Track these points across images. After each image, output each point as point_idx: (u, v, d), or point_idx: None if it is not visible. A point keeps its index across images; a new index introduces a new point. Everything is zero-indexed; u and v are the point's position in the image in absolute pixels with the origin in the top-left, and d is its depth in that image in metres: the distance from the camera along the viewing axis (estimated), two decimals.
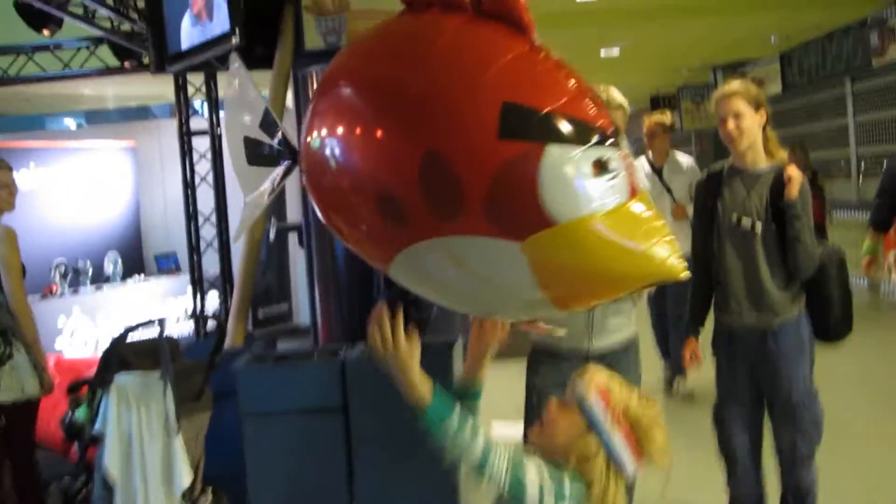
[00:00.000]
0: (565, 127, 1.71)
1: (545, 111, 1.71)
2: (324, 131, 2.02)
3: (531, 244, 1.70)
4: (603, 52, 13.38)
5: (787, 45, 14.35)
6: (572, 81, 1.79)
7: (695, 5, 10.96)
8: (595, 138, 1.73)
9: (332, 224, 2.15)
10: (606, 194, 1.72)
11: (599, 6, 10.59)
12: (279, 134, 2.32)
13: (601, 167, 1.72)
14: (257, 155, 2.33)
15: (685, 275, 1.75)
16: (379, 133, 1.86)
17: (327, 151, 2.00)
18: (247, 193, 2.42)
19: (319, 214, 2.18)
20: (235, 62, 2.47)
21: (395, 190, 1.82)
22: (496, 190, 1.70)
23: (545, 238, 1.69)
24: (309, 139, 2.09)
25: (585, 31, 11.58)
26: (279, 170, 2.32)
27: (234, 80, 2.47)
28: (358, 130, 1.91)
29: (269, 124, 2.31)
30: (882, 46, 11.48)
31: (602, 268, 1.71)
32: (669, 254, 1.73)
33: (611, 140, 1.76)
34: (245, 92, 2.42)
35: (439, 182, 1.74)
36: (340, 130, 1.97)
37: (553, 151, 1.69)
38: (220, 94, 8.10)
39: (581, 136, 1.72)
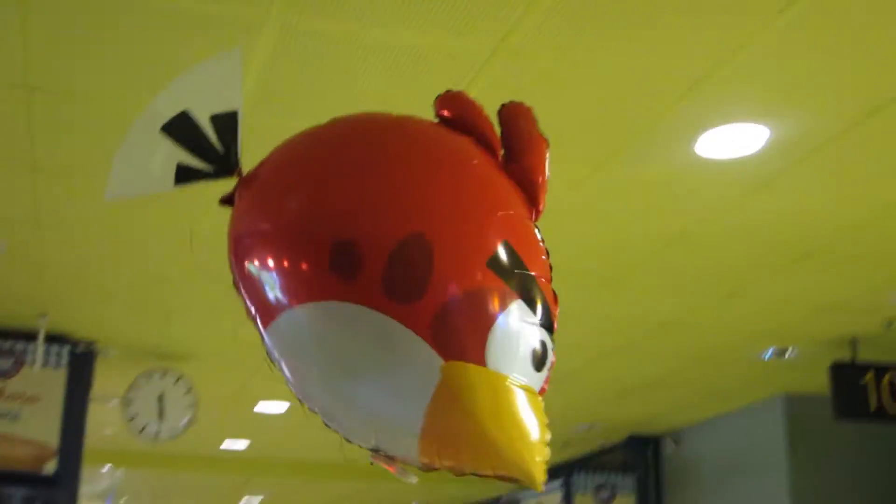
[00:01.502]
0: (538, 297, 1.73)
1: (531, 272, 1.74)
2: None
3: (452, 367, 1.64)
4: (245, 500, 13.17)
5: None
6: (550, 268, 1.82)
7: (341, 468, 11.21)
8: (550, 326, 1.73)
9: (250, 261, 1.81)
10: (531, 375, 1.68)
11: (245, 455, 10.64)
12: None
13: (541, 354, 1.71)
14: (183, 134, 1.92)
15: (541, 487, 1.67)
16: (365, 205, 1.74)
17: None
18: (127, 153, 2.00)
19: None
20: None
21: (361, 242, 1.68)
22: (460, 304, 1.67)
23: (468, 370, 1.64)
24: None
25: (230, 477, 11.43)
26: (195, 162, 1.92)
27: None
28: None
29: (227, 124, 1.93)
30: None
31: (491, 425, 1.63)
32: (543, 459, 1.66)
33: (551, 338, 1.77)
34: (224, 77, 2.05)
35: (414, 260, 1.68)
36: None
37: (519, 308, 1.69)
38: None
39: (544, 316, 1.73)
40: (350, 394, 1.78)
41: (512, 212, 1.81)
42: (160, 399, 7.05)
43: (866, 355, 6.44)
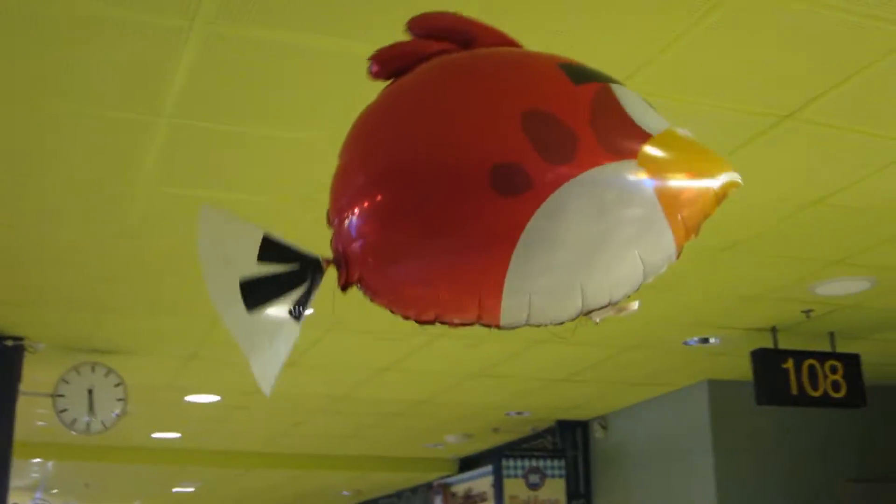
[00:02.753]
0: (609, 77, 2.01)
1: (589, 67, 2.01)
2: (390, 162, 1.88)
3: (644, 156, 1.88)
4: (176, 489, 13.08)
5: (358, 499, 14.76)
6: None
7: (272, 457, 11.23)
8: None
9: (416, 278, 1.90)
10: (665, 121, 2.00)
11: (177, 445, 10.64)
12: (287, 251, 1.93)
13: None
14: (262, 294, 1.90)
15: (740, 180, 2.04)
16: (471, 113, 1.87)
17: (400, 176, 1.86)
18: (251, 349, 1.96)
19: (391, 282, 1.91)
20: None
21: (510, 157, 1.81)
22: (597, 122, 1.87)
23: (652, 147, 1.90)
24: (374, 188, 1.88)
25: (162, 467, 11.37)
26: (294, 294, 1.92)
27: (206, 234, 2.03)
28: (445, 123, 1.87)
29: (270, 248, 1.90)
30: None
31: (699, 167, 1.97)
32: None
33: None
34: (223, 237, 2.01)
35: (548, 132, 1.84)
36: (420, 131, 1.89)
37: (619, 87, 1.97)
38: None
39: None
40: (603, 256, 1.91)
41: (535, 53, 2.09)
42: (90, 392, 7.01)
43: (786, 343, 6.64)
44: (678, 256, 2.00)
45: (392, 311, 1.94)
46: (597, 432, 9.80)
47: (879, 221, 4.84)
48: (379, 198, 1.85)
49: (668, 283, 5.66)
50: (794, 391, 6.55)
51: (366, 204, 1.86)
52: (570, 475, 9.80)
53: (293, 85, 3.48)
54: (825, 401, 6.65)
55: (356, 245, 1.87)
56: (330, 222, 1.94)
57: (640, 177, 1.88)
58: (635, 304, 2.13)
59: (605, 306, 2.00)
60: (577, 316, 1.97)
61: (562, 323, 1.98)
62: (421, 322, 1.95)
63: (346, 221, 1.88)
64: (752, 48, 3.35)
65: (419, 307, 1.92)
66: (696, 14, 3.14)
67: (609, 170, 1.85)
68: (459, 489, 11.61)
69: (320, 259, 1.89)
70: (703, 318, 6.47)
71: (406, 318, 1.94)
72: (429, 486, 12.64)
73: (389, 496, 14.26)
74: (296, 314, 1.92)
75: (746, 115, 3.77)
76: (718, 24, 3.19)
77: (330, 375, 7.91)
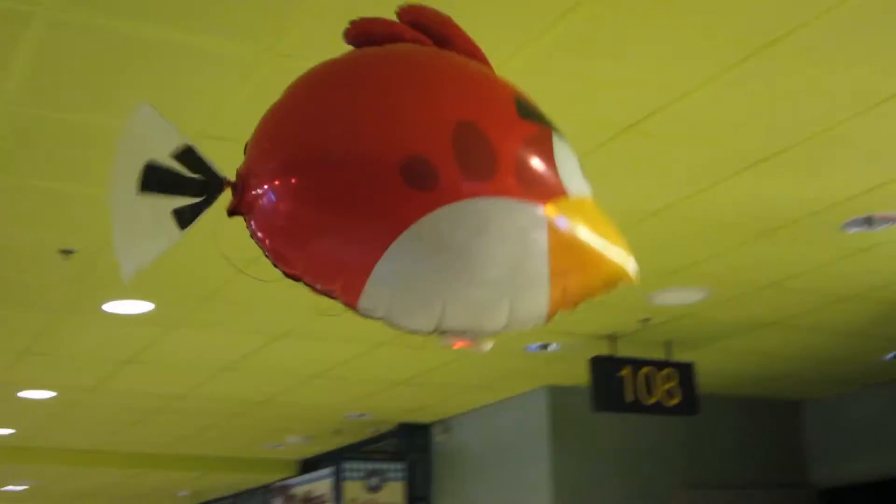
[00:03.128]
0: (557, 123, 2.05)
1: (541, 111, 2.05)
2: (328, 114, 1.92)
3: (552, 208, 1.91)
4: (6, 488, 12.62)
5: (196, 500, 14.54)
6: None
7: (108, 455, 10.92)
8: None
9: (304, 227, 1.89)
10: (584, 182, 2.03)
11: (7, 442, 10.32)
12: (200, 162, 1.93)
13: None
14: (158, 182, 1.90)
15: (635, 276, 2.06)
16: (411, 102, 1.92)
17: (331, 130, 1.89)
18: (123, 231, 1.97)
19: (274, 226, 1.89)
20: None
21: (428, 154, 1.85)
22: (523, 158, 1.92)
23: (563, 204, 1.93)
24: (304, 133, 1.91)
25: None
26: (188, 200, 1.91)
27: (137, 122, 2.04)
28: (384, 102, 1.92)
29: (188, 152, 1.91)
30: None
31: (602, 244, 1.98)
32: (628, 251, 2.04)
33: None
34: (151, 128, 2.01)
35: (474, 146, 1.87)
36: (360, 101, 1.93)
37: (559, 139, 2.01)
38: None
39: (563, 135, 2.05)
40: (474, 280, 1.90)
41: (497, 76, 2.09)
42: None
43: (624, 350, 6.76)
44: (547, 321, 2.01)
45: (264, 253, 1.91)
46: (438, 436, 9.81)
47: (715, 234, 4.97)
48: (295, 151, 1.89)
49: None
50: (630, 398, 6.68)
51: (280, 151, 1.90)
52: (410, 478, 9.78)
53: (139, 77, 3.40)
54: (659, 408, 6.80)
55: (259, 181, 1.89)
56: (246, 150, 1.96)
57: (539, 224, 1.91)
58: (488, 345, 2.11)
59: (460, 333, 1.99)
60: (431, 331, 1.95)
61: (413, 332, 1.95)
62: (286, 274, 1.93)
63: (258, 157, 1.92)
64: (593, 61, 3.37)
65: (291, 258, 1.91)
66: (533, 32, 3.17)
67: (515, 204, 1.89)
68: (299, 491, 11.47)
69: (223, 179, 1.90)
70: (544, 325, 6.50)
71: (274, 264, 1.92)
72: (268, 488, 12.45)
73: (227, 497, 14.01)
74: (182, 219, 1.91)
75: (587, 126, 3.79)
76: (561, 40, 3.21)
77: (170, 374, 7.76)
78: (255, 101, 3.53)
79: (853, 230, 4.98)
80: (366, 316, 1.90)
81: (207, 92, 3.51)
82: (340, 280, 1.88)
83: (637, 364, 6.73)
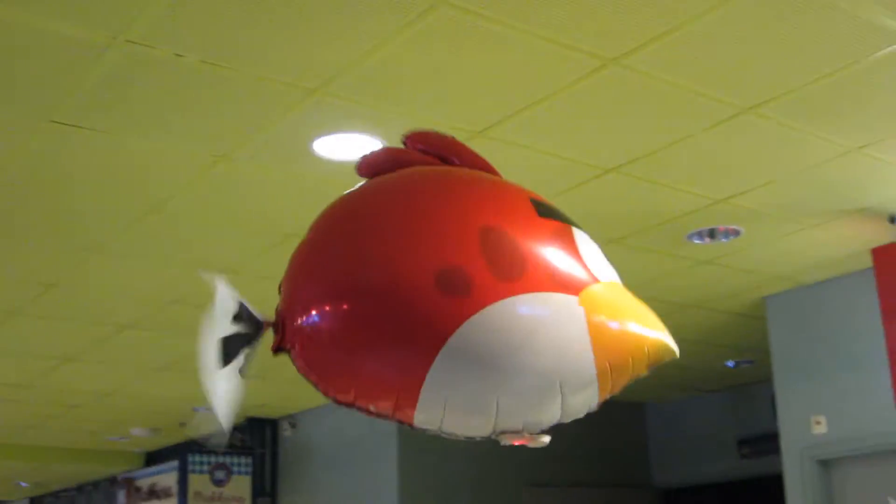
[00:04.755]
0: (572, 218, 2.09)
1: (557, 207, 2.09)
2: (352, 248, 1.98)
3: (586, 297, 1.95)
4: None
5: (38, 492, 14.23)
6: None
7: None
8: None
9: (346, 359, 1.95)
10: (610, 269, 2.07)
11: None
12: (246, 311, 2.06)
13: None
14: (228, 354, 2.04)
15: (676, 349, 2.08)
16: (435, 217, 1.98)
17: (357, 262, 1.95)
18: (217, 400, 2.07)
19: (321, 362, 1.98)
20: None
21: (460, 263, 1.91)
22: (550, 252, 1.96)
23: (596, 292, 1.97)
24: (330, 269, 1.99)
25: None
26: (245, 352, 2.05)
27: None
28: (409, 222, 1.98)
29: (241, 309, 2.04)
30: (128, 502, 11.67)
31: (639, 327, 2.01)
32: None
33: None
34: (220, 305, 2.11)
35: (502, 248, 1.93)
36: (386, 226, 1.99)
37: (579, 231, 2.05)
38: None
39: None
40: (525, 380, 1.96)
41: (510, 183, 2.16)
42: None
43: None
44: (598, 406, 2.06)
45: (314, 386, 2.00)
46: (286, 431, 9.72)
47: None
48: (331, 283, 1.96)
49: None
50: None
51: (316, 285, 1.98)
52: (256, 473, 9.67)
53: None
54: None
55: (299, 316, 1.97)
56: (280, 289, 2.04)
57: (576, 313, 1.95)
58: (546, 439, 2.18)
59: (518, 432, 2.08)
60: (489, 435, 2.05)
61: (472, 438, 2.06)
62: (338, 402, 2.01)
63: (295, 293, 2.00)
64: (465, 51, 3.35)
65: (341, 385, 1.99)
66: (394, 27, 3.13)
67: (549, 297, 1.94)
68: (144, 483, 11.26)
69: (263, 321, 2.01)
70: None
71: (325, 394, 2.01)
72: (112, 480, 12.15)
73: (71, 489, 13.62)
74: (242, 371, 2.06)
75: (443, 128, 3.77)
76: (429, 28, 3.18)
77: (9, 363, 7.53)
78: (102, 87, 3.43)
79: (697, 241, 5.10)
80: (423, 431, 1.99)
81: (53, 76, 3.37)
82: (393, 400, 1.93)
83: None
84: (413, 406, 1.92)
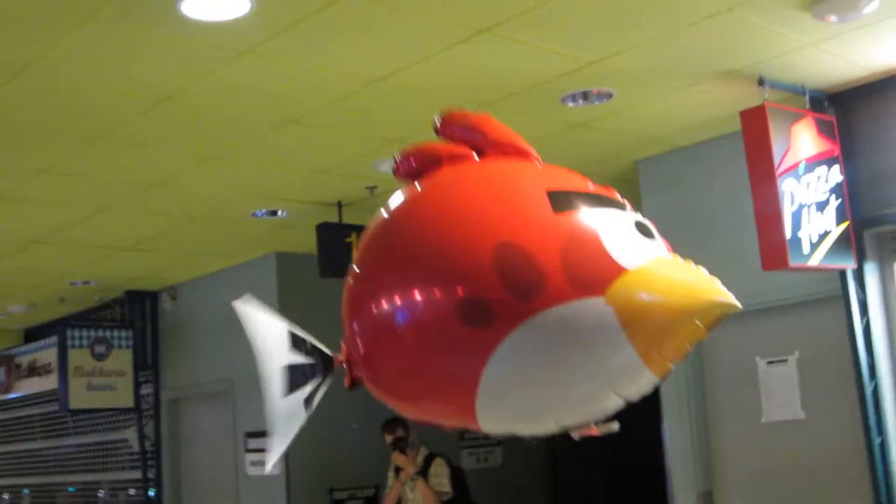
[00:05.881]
0: (600, 200, 2.03)
1: (578, 191, 2.04)
2: (382, 284, 2.10)
3: (613, 294, 1.89)
4: None
5: None
6: (580, 177, 2.12)
7: None
8: (626, 208, 2.05)
9: (403, 389, 2.15)
10: (655, 248, 1.99)
11: None
12: (310, 346, 2.28)
13: (642, 228, 2.01)
14: (293, 383, 2.22)
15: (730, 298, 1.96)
16: (448, 244, 2.00)
17: (387, 299, 2.06)
18: (277, 432, 2.23)
19: (385, 393, 2.17)
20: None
21: (477, 291, 1.92)
22: (568, 255, 1.91)
23: (623, 284, 1.90)
24: (370, 307, 2.12)
25: None
26: (308, 387, 2.24)
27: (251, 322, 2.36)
28: (423, 257, 2.04)
29: (297, 339, 2.27)
30: (9, 382, 11.46)
31: (674, 303, 1.90)
32: (719, 286, 1.96)
33: (632, 212, 2.07)
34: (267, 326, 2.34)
35: (518, 266, 1.90)
36: (401, 270, 2.08)
37: (601, 214, 1.99)
38: None
39: (615, 204, 2.04)
40: (570, 392, 1.98)
41: (529, 170, 2.15)
42: None
43: (351, 218, 6.75)
44: (663, 379, 2.03)
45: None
46: (166, 303, 9.66)
47: (438, 103, 4.95)
48: (369, 325, 2.12)
49: (233, 154, 5.53)
50: None
51: (359, 324, 2.15)
52: (137, 346, 9.61)
53: None
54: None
55: (357, 357, 2.16)
56: (343, 327, 2.21)
57: (606, 315, 1.90)
58: (615, 426, 2.20)
59: (584, 424, 2.14)
60: (559, 431, 2.11)
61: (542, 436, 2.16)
62: (420, 422, 2.21)
63: (353, 335, 2.16)
64: None
65: (411, 412, 2.20)
66: None
67: (574, 305, 1.90)
68: (24, 360, 11.08)
69: (333, 357, 2.23)
70: (270, 190, 6.42)
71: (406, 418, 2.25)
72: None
73: None
74: (308, 404, 2.21)
75: None
76: None
77: None
78: None
79: (571, 104, 5.10)
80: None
81: None
82: (456, 422, 2.12)
83: (363, 231, 6.73)
84: (475, 424, 2.05)
